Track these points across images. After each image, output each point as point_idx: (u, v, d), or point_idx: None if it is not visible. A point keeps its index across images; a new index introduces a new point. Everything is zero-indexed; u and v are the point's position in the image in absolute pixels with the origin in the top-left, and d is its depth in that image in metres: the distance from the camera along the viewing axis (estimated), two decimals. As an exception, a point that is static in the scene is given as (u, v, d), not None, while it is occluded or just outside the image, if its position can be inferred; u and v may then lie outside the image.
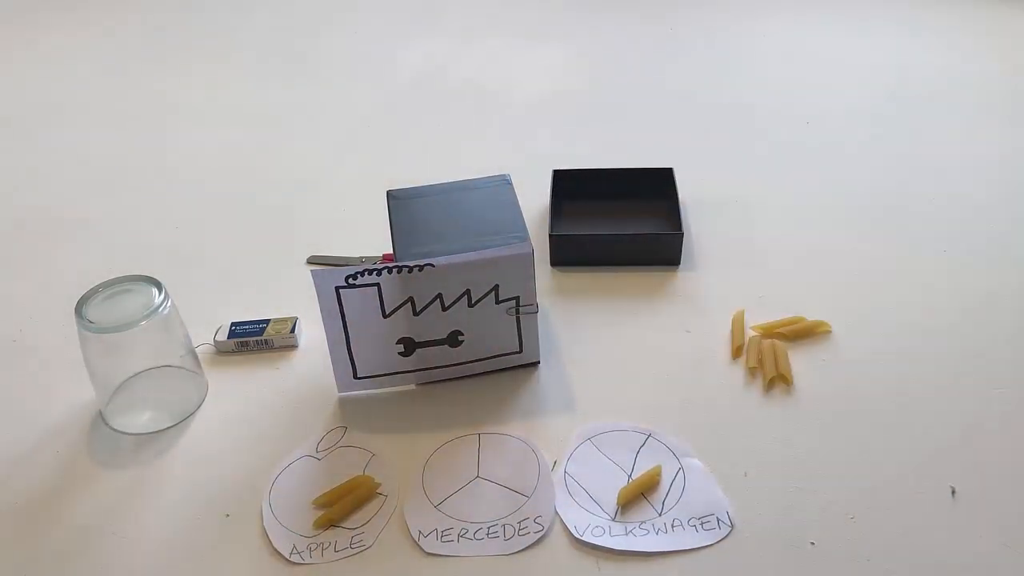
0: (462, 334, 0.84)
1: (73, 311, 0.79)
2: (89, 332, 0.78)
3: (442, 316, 0.82)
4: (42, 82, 1.55)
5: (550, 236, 1.03)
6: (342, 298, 0.79)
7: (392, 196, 0.89)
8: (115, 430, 0.85)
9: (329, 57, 1.60)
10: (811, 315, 0.93)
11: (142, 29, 1.73)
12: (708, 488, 0.76)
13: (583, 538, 0.72)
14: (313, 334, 0.94)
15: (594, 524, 0.73)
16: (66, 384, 0.89)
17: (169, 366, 0.85)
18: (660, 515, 0.74)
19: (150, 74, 1.56)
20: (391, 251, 0.84)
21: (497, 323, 0.84)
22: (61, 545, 0.74)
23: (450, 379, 0.88)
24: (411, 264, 0.79)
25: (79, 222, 1.16)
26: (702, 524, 0.73)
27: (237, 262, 1.07)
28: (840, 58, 1.51)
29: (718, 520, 0.73)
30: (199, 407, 0.87)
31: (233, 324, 0.94)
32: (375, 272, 0.78)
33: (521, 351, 0.87)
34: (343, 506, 0.75)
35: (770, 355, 0.88)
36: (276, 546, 0.73)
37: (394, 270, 0.78)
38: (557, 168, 1.13)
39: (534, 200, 1.13)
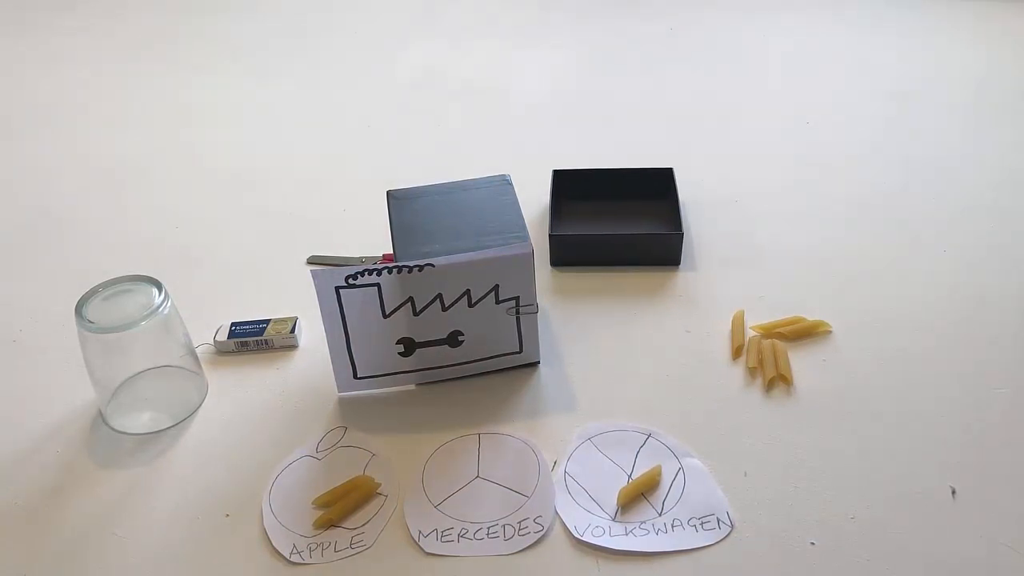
0: (462, 334, 0.84)
1: (73, 311, 0.79)
2: (89, 332, 0.78)
3: (442, 316, 0.82)
4: (42, 82, 1.55)
5: (550, 236, 1.03)
6: (342, 298, 0.79)
7: (392, 196, 0.90)
8: (115, 430, 0.85)
9: (329, 58, 1.60)
10: (811, 315, 0.93)
11: (142, 31, 1.73)
12: (708, 488, 0.76)
13: (583, 538, 0.72)
14: (313, 334, 0.94)
15: (594, 524, 0.73)
16: (66, 384, 0.89)
17: (169, 366, 0.85)
18: (660, 515, 0.74)
19: (150, 75, 1.56)
20: (391, 251, 0.84)
21: (497, 323, 0.84)
22: (61, 545, 0.74)
23: (450, 379, 0.88)
24: (411, 264, 0.79)
25: (79, 222, 1.16)
26: (702, 524, 0.73)
27: (237, 262, 1.07)
28: (840, 58, 1.51)
29: (718, 520, 0.73)
30: (199, 407, 0.87)
31: (233, 324, 0.94)
32: (375, 272, 0.78)
33: (521, 351, 0.87)
34: (343, 506, 0.75)
35: (770, 355, 0.88)
36: (276, 546, 0.73)
37: (394, 270, 0.78)
38: (557, 168, 1.13)
39: (534, 200, 1.13)
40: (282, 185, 1.23)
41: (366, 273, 0.78)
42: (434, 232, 0.84)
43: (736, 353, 0.90)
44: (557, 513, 0.75)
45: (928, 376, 0.86)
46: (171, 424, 0.85)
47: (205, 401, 0.88)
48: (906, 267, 1.01)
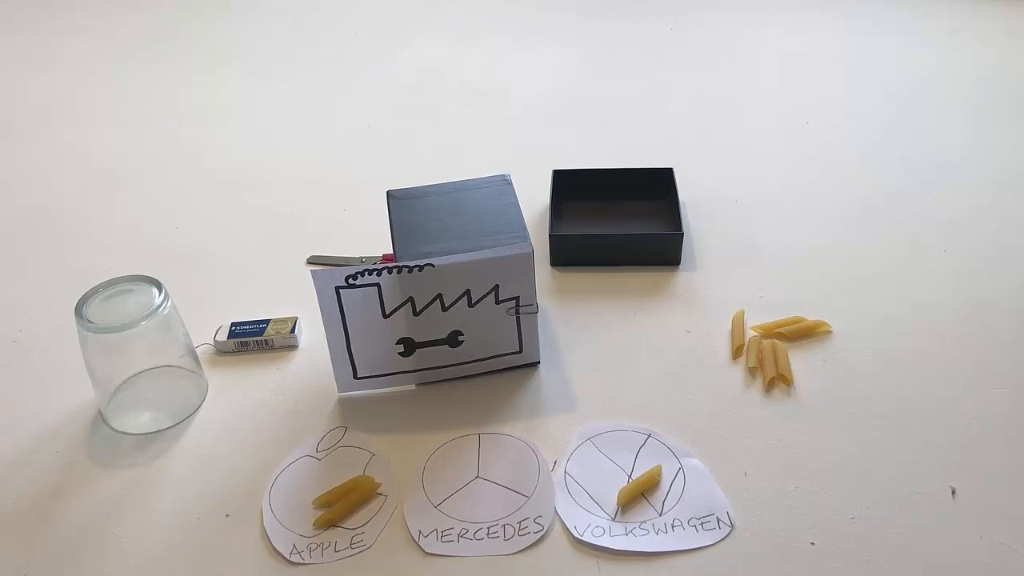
0: (462, 334, 0.84)
1: (73, 311, 0.79)
2: (89, 332, 0.78)
3: (442, 316, 0.82)
4: (42, 83, 1.55)
5: (550, 236, 1.03)
6: (342, 298, 0.79)
7: (392, 196, 0.90)
8: (115, 430, 0.85)
9: (329, 58, 1.60)
10: (811, 315, 0.93)
11: (142, 30, 1.73)
12: (708, 488, 0.76)
13: (583, 538, 0.72)
14: (313, 334, 0.94)
15: (594, 524, 0.73)
16: (66, 384, 0.89)
17: (169, 366, 0.85)
18: (660, 515, 0.74)
19: (150, 75, 1.56)
20: (391, 251, 0.84)
21: (497, 323, 0.84)
22: (61, 545, 0.74)
23: (450, 379, 0.88)
24: (411, 264, 0.79)
25: (79, 222, 1.16)
26: (702, 524, 0.73)
27: (237, 262, 1.07)
28: (840, 58, 1.51)
29: (718, 520, 0.73)
30: (199, 407, 0.87)
31: (233, 324, 0.94)
32: (375, 272, 0.78)
33: (521, 351, 0.87)
34: (343, 506, 0.75)
35: (770, 355, 0.88)
36: (276, 546, 0.73)
37: (394, 270, 0.78)
38: (557, 168, 1.13)
39: (534, 200, 1.13)
40: (282, 185, 1.23)
41: (366, 273, 0.78)
42: (434, 232, 0.84)
43: (736, 353, 0.90)
44: (557, 513, 0.75)
45: (928, 376, 0.86)
46: (171, 424, 0.85)
47: (205, 401, 0.88)
48: (906, 267, 1.01)
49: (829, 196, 1.14)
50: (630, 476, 0.78)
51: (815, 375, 0.87)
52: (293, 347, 0.93)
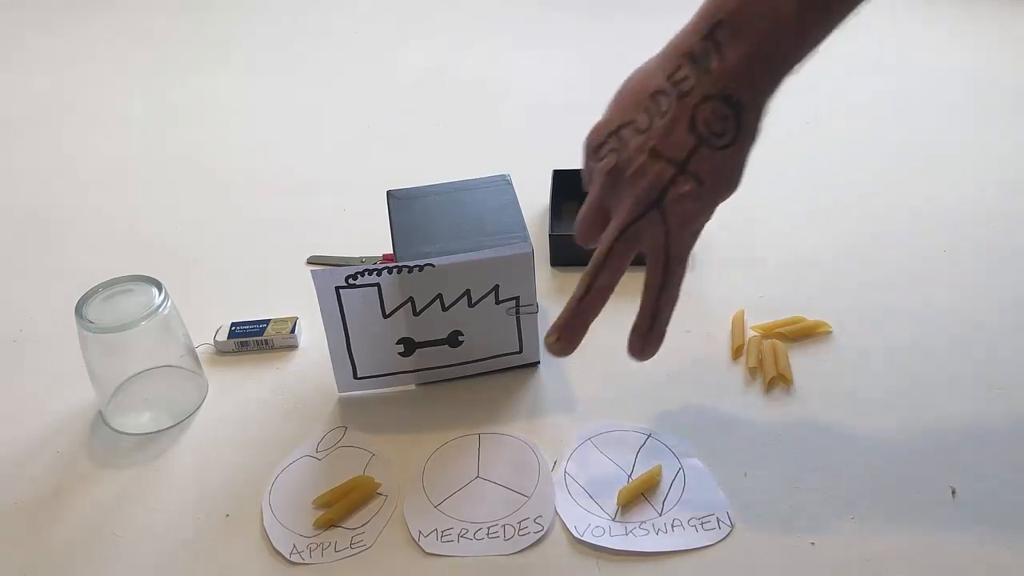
0: (462, 334, 0.84)
1: (73, 311, 0.79)
2: (89, 332, 0.78)
3: (442, 316, 0.82)
4: (42, 82, 1.55)
5: (550, 236, 1.03)
6: (342, 298, 0.79)
7: (392, 196, 0.90)
8: (115, 430, 0.85)
9: (329, 57, 1.60)
10: (811, 315, 0.93)
11: (141, 30, 1.73)
12: (708, 488, 0.76)
13: (583, 538, 0.72)
14: (313, 334, 0.94)
15: (594, 524, 0.73)
16: (66, 384, 0.89)
17: (169, 366, 0.85)
18: (660, 515, 0.74)
19: (150, 75, 1.56)
20: (391, 251, 0.84)
21: (497, 323, 0.84)
22: (61, 545, 0.74)
23: (450, 379, 0.88)
24: (411, 264, 0.79)
25: (79, 222, 1.16)
26: (702, 524, 0.73)
27: (237, 262, 1.07)
28: (840, 57, 1.50)
29: (718, 520, 0.73)
30: (199, 407, 0.87)
31: (233, 324, 0.94)
32: (375, 272, 0.78)
33: (521, 351, 0.87)
34: (343, 506, 0.75)
35: (770, 355, 0.88)
36: (276, 546, 0.73)
37: (394, 270, 0.78)
38: (557, 168, 1.13)
39: (534, 200, 1.12)
40: (282, 185, 1.23)
41: (366, 273, 0.78)
42: (434, 232, 0.84)
43: (736, 353, 0.90)
44: (557, 513, 0.75)
45: (928, 376, 0.86)
46: (171, 424, 0.85)
47: (205, 401, 0.88)
48: (906, 267, 1.01)
49: (829, 196, 1.14)
50: (630, 476, 0.78)
51: (815, 375, 0.87)
52: (293, 347, 0.93)
